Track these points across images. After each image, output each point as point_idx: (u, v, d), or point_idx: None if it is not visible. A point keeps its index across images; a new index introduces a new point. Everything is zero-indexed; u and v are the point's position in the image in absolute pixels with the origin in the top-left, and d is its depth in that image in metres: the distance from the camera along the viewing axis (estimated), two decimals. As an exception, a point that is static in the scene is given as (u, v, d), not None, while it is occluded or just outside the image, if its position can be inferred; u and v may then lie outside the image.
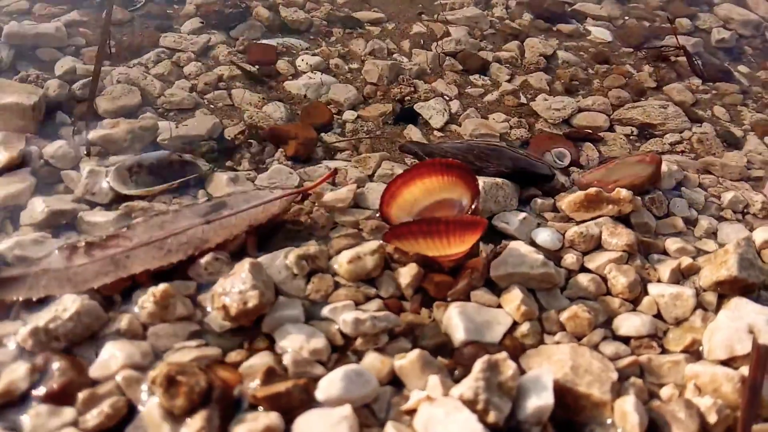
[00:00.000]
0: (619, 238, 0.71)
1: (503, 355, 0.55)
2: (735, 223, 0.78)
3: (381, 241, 0.67)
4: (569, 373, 0.57)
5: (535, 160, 0.81)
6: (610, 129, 0.93)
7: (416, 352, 0.57)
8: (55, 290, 0.59)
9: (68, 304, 0.56)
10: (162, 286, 0.59)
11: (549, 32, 1.12)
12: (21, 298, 0.59)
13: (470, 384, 0.53)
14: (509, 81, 0.99)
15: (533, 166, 0.80)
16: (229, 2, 1.04)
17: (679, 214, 0.78)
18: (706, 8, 1.24)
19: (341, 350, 0.59)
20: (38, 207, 0.68)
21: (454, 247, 0.64)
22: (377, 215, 0.72)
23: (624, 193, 0.74)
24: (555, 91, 0.98)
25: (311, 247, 0.66)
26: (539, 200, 0.77)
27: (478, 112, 0.92)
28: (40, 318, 0.56)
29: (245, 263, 0.60)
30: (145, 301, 0.59)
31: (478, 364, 0.54)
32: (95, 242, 0.64)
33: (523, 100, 0.96)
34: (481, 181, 0.76)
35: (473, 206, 0.68)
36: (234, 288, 0.58)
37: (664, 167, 0.82)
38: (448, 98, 0.93)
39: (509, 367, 0.54)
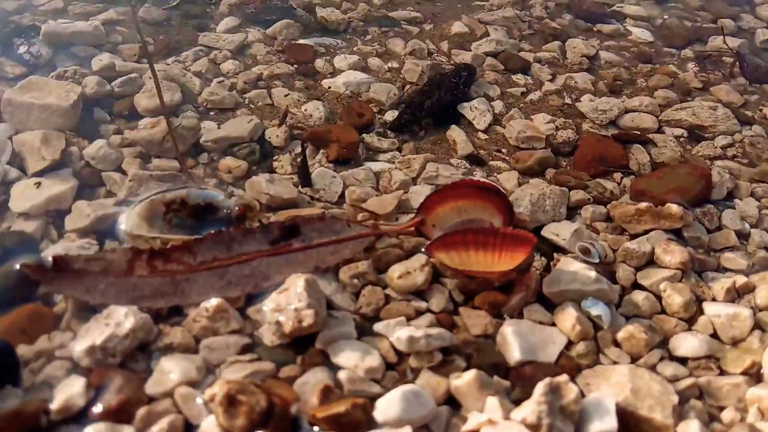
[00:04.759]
0: (672, 255, 0.69)
1: (564, 377, 0.54)
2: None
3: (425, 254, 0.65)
4: (629, 396, 0.56)
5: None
6: (659, 131, 0.90)
7: (473, 372, 0.56)
8: (111, 300, 0.58)
9: (121, 318, 0.55)
10: (215, 301, 0.58)
11: (589, 32, 1.09)
12: (79, 299, 0.58)
13: (533, 408, 0.52)
14: (551, 81, 0.97)
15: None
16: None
17: (731, 227, 0.76)
18: (747, 8, 1.21)
19: (395, 368, 0.58)
20: (84, 211, 0.67)
21: (504, 264, 0.63)
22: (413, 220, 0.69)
23: (675, 209, 0.73)
24: (599, 91, 0.96)
25: (360, 264, 0.64)
26: (590, 208, 0.75)
27: (522, 112, 0.90)
28: (95, 334, 0.55)
29: (300, 279, 0.58)
30: (198, 314, 0.58)
31: (540, 387, 0.53)
32: (160, 251, 0.61)
33: (568, 100, 0.93)
34: (528, 192, 0.74)
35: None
36: (289, 305, 0.57)
37: (715, 176, 0.80)
38: (491, 98, 0.91)
39: (571, 391, 0.53)
